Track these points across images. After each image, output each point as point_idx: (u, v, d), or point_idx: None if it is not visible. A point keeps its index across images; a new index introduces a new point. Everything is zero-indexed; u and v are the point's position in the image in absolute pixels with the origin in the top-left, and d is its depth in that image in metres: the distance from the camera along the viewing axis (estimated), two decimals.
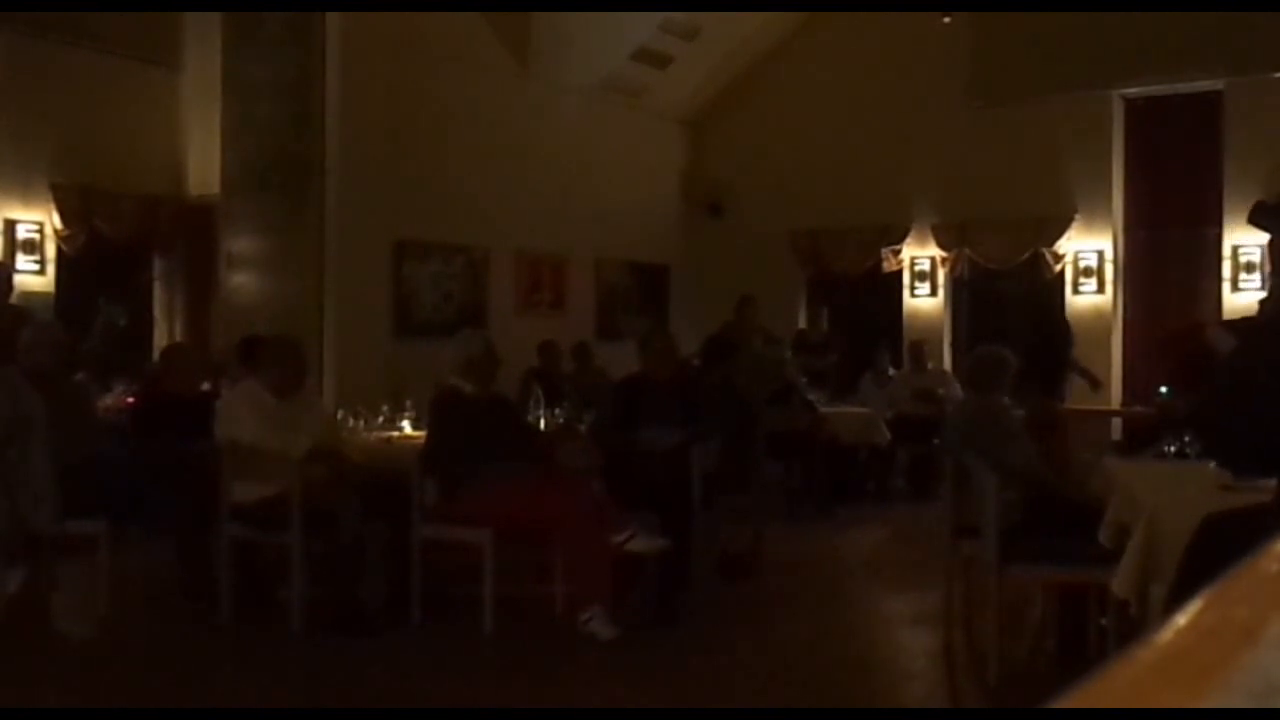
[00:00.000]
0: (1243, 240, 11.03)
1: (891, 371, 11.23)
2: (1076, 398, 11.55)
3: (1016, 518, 4.86)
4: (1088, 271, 11.74)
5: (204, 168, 10.18)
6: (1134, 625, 4.04)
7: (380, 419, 6.94)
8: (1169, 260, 11.80)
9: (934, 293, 12.58)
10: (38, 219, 9.47)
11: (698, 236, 13.51)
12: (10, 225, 9.30)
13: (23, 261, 9.27)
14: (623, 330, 11.95)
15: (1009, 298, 12.57)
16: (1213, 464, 4.12)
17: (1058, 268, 11.82)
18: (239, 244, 9.53)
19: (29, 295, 8.97)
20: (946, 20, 11.40)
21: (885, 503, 10.06)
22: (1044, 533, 4.79)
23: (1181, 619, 0.68)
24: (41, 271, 9.49)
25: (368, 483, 5.72)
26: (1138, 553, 3.80)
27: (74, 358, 6.62)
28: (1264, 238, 10.89)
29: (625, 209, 12.58)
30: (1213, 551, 3.21)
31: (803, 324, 13.05)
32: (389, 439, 6.69)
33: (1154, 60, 11.22)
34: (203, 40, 10.21)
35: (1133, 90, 11.68)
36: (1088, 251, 11.74)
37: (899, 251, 12.63)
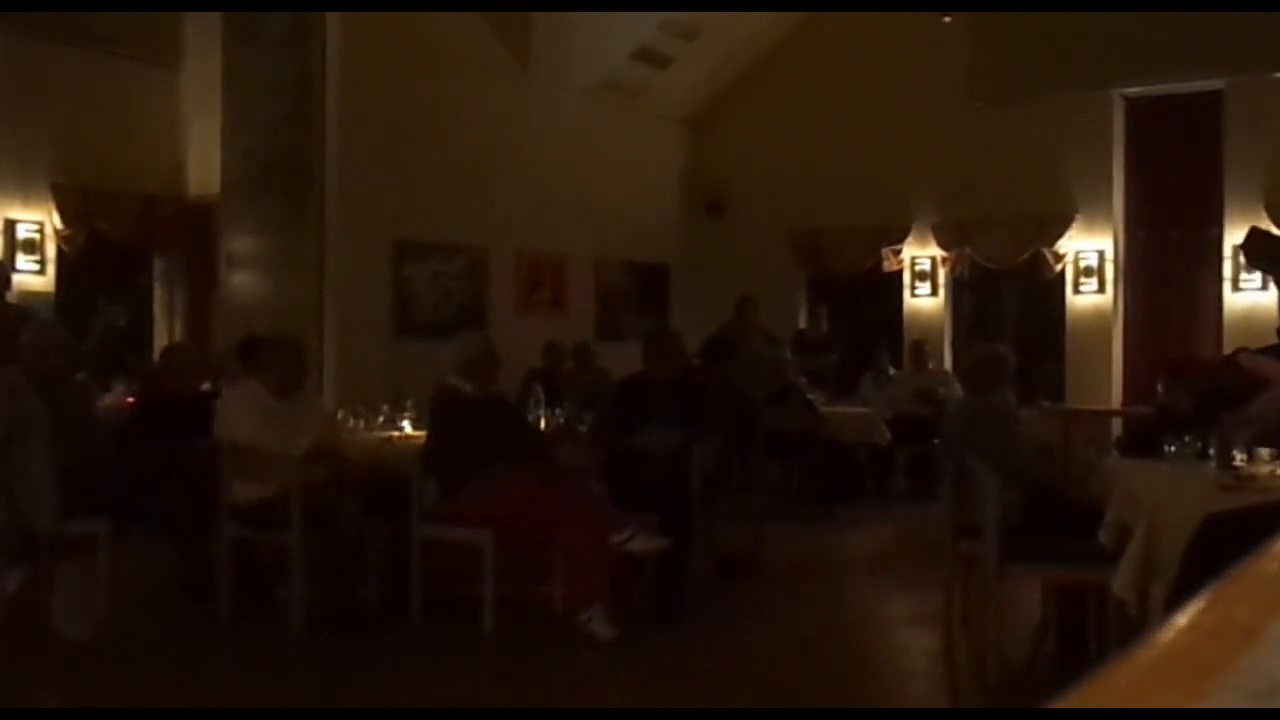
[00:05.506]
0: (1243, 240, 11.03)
1: (891, 371, 11.23)
2: (1077, 398, 11.57)
3: (1016, 518, 4.86)
4: (1088, 271, 11.73)
5: (204, 168, 10.18)
6: (1134, 625, 4.04)
7: (380, 419, 6.93)
8: (1169, 260, 11.79)
9: (934, 293, 12.57)
10: (38, 219, 9.47)
11: (698, 236, 13.49)
12: (10, 225, 9.30)
13: (23, 261, 9.26)
14: (623, 330, 11.95)
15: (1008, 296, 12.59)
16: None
17: (1058, 268, 11.81)
18: (239, 244, 9.53)
19: (29, 295, 8.97)
20: (947, 20, 11.39)
21: (885, 503, 10.06)
22: (1044, 533, 4.79)
23: (1181, 619, 0.68)
24: (41, 271, 9.49)
25: (368, 483, 5.72)
26: (1138, 553, 3.81)
27: (74, 358, 6.61)
28: None
29: (625, 209, 12.56)
30: (1213, 551, 3.21)
31: (803, 324, 13.03)
32: (389, 439, 6.68)
33: (1154, 60, 11.21)
34: (203, 40, 10.21)
35: (1133, 90, 11.67)
36: (1088, 251, 11.73)
37: (899, 251, 12.62)
